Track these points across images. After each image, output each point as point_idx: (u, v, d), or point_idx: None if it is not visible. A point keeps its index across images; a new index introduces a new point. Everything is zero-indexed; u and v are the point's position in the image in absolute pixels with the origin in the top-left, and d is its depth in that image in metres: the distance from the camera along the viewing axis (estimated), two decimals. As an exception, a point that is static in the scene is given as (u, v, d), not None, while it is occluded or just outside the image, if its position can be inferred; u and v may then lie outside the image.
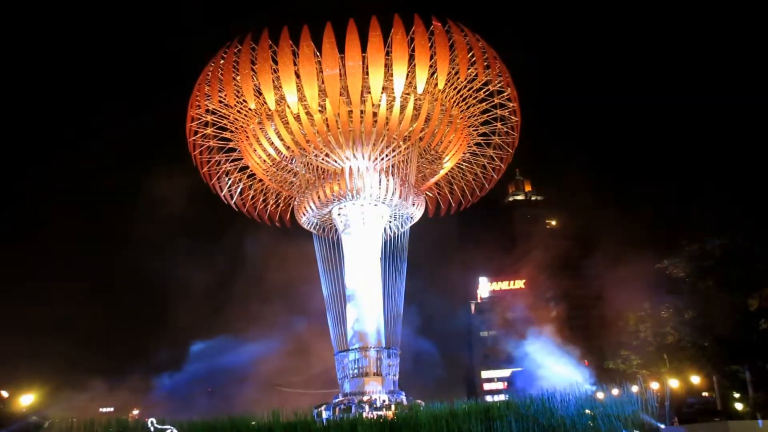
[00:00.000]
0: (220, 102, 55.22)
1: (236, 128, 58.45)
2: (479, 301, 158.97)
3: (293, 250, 79.45)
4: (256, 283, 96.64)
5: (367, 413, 46.50)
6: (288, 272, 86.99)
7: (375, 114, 53.13)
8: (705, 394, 68.74)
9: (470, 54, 52.68)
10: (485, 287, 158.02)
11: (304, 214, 59.32)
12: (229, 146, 60.26)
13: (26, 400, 54.25)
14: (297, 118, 53.22)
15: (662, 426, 43.81)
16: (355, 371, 55.19)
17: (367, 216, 57.92)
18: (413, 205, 58.96)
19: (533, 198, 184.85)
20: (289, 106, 52.46)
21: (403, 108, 52.80)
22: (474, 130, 60.57)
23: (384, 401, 51.33)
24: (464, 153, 62.14)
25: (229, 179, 62.84)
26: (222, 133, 58.95)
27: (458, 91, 56.07)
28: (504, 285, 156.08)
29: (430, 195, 67.82)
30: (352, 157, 56.90)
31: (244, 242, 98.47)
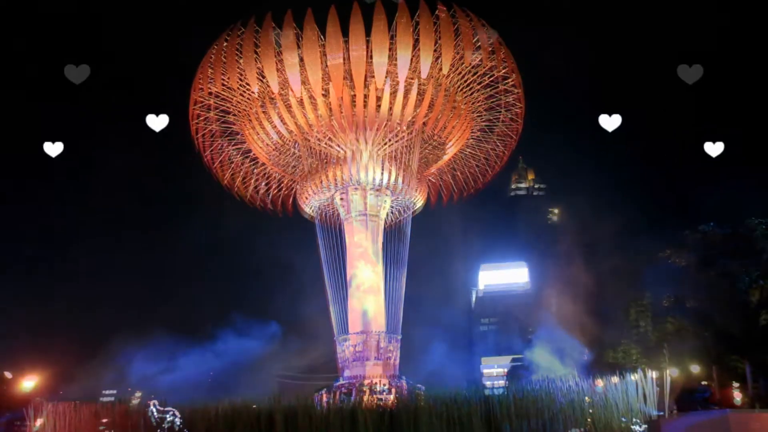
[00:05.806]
0: (223, 85, 54.77)
1: (239, 112, 58.12)
2: (480, 290, 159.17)
3: (293, 234, 79.54)
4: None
5: (368, 398, 46.64)
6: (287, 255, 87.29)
7: (379, 99, 52.81)
8: (704, 382, 68.84)
9: (475, 39, 52.27)
10: (486, 277, 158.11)
11: (306, 200, 59.12)
12: (231, 129, 59.90)
13: (29, 383, 54.52)
14: (300, 102, 52.90)
15: (662, 414, 43.82)
16: (356, 356, 55.32)
17: (369, 202, 57.74)
18: (415, 191, 58.76)
19: (537, 186, 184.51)
20: (292, 90, 52.12)
21: (406, 93, 52.45)
22: (477, 116, 60.16)
23: (385, 385, 51.47)
24: (467, 140, 61.77)
25: (232, 162, 62.47)
26: (225, 117, 58.60)
27: (462, 77, 55.63)
28: (505, 275, 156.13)
29: (433, 181, 67.49)
30: (355, 143, 56.66)
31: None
